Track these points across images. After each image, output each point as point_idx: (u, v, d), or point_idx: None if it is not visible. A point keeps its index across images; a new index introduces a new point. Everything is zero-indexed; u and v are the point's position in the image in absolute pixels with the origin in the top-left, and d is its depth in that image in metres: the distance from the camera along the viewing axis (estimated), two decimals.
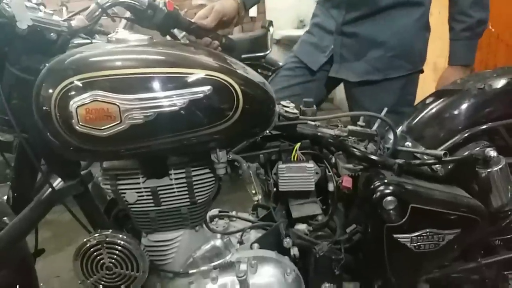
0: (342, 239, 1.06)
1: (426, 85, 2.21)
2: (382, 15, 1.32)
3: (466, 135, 1.09)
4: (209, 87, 0.85)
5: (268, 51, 2.91)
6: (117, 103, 0.80)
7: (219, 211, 1.20)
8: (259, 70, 3.10)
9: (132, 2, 0.99)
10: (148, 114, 0.82)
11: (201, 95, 0.85)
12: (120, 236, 0.95)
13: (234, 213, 1.22)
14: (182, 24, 1.08)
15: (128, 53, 0.88)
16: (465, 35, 1.30)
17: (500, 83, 1.08)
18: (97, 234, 0.94)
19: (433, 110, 1.17)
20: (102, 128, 0.81)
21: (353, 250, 1.07)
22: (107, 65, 0.83)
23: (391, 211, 0.92)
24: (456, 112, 1.13)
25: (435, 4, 2.02)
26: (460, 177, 1.05)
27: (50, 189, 0.94)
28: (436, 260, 1.00)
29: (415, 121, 1.18)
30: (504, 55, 1.88)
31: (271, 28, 2.90)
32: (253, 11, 4.51)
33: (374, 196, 0.93)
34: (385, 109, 1.13)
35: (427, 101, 1.20)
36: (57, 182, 0.96)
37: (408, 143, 1.13)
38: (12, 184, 1.06)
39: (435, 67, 2.10)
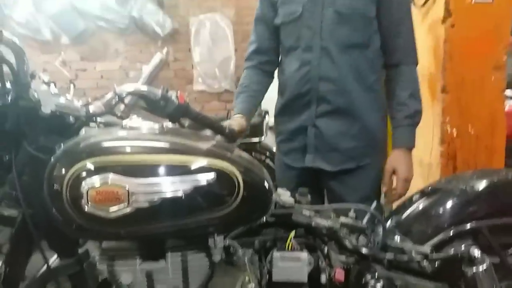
0: None
1: (413, 181, 2.31)
2: (351, 109, 1.42)
3: (451, 233, 1.14)
4: (212, 175, 0.91)
5: (263, 137, 3.06)
6: (127, 187, 0.85)
7: None
8: (253, 153, 3.22)
9: (147, 93, 1.08)
10: (154, 198, 0.87)
11: (204, 182, 0.91)
12: None
13: None
14: (191, 115, 1.14)
15: (140, 140, 0.96)
16: (406, 122, 1.41)
17: (481, 185, 1.16)
18: None
19: (420, 207, 1.23)
20: (110, 210, 0.85)
21: None
22: (119, 150, 0.89)
23: None
24: (441, 210, 1.19)
25: None
26: (447, 274, 1.08)
27: (45, 266, 0.95)
28: None
29: (403, 216, 1.24)
30: (484, 155, 2.01)
31: (266, 116, 3.07)
32: None
33: None
34: (375, 203, 1.19)
35: (414, 199, 1.27)
36: (53, 260, 0.97)
37: (397, 238, 1.17)
38: (6, 259, 1.06)
39: (421, 162, 2.21)
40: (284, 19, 1.45)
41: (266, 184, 1.03)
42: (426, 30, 2.04)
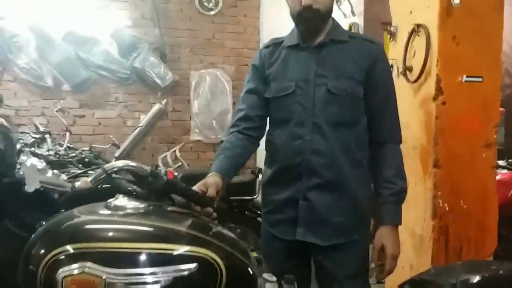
0: None
1: (404, 251, 2.27)
2: (342, 183, 1.43)
3: None
4: (194, 264, 0.89)
5: (256, 196, 3.03)
6: (104, 277, 0.82)
7: None
8: (246, 212, 3.18)
9: (136, 169, 1.07)
10: None
11: (186, 272, 0.88)
12: None
13: None
14: (178, 191, 1.13)
15: (122, 225, 0.94)
16: (392, 199, 1.43)
17: (472, 279, 1.13)
18: None
19: None
20: None
21: None
22: (100, 237, 0.87)
23: None
24: None
25: (411, 176, 2.21)
26: None
27: None
28: None
29: None
30: (476, 230, 1.99)
31: (260, 175, 3.06)
32: None
33: None
34: None
35: None
36: None
37: None
38: None
39: (413, 233, 2.18)
40: (276, 94, 1.48)
41: (250, 270, 1.00)
42: (418, 105, 2.09)
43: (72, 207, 1.05)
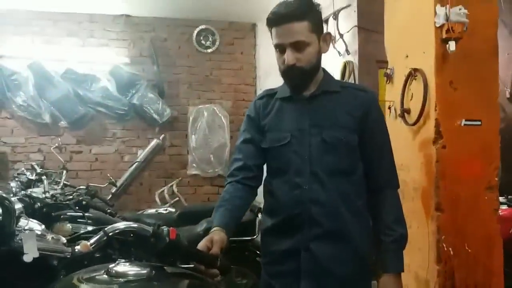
0: None
1: None
2: (343, 233, 1.42)
3: None
4: None
5: (256, 236, 2.98)
6: None
7: None
8: (246, 252, 3.12)
9: (138, 229, 1.05)
10: None
11: None
12: None
13: None
14: (181, 251, 1.09)
15: None
16: (394, 246, 1.42)
17: None
18: None
19: None
20: None
21: None
22: None
23: None
24: None
25: (414, 218, 2.18)
26: None
27: None
28: None
29: None
30: (482, 275, 1.95)
31: (259, 214, 3.01)
32: None
33: None
34: None
35: None
36: None
37: None
38: None
39: (417, 276, 2.14)
40: (272, 144, 1.49)
41: None
42: (417, 148, 2.09)
43: (72, 271, 1.02)
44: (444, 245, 1.96)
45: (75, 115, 4.65)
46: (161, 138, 4.90)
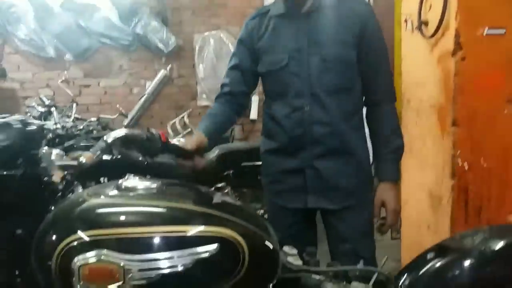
0: None
1: (422, 211, 2.25)
2: (346, 149, 1.46)
3: None
4: (215, 245, 0.86)
5: None
6: (122, 264, 0.80)
7: None
8: (258, 177, 3.17)
9: (135, 135, 1.06)
10: (152, 275, 0.81)
11: (207, 254, 0.85)
12: None
13: None
14: (171, 151, 1.23)
15: (135, 207, 0.90)
16: (390, 156, 1.47)
17: (500, 245, 1.10)
18: None
19: (435, 268, 1.15)
20: None
21: None
22: (114, 222, 0.84)
23: None
24: (458, 272, 1.12)
25: (428, 135, 2.14)
26: None
27: None
28: None
29: (416, 276, 1.17)
30: (497, 188, 1.93)
31: None
32: (253, 114, 4.73)
33: None
34: (386, 257, 1.15)
35: (428, 256, 1.19)
36: None
37: None
38: None
39: (430, 193, 2.15)
40: (270, 68, 1.48)
41: (271, 245, 0.97)
42: (435, 61, 1.98)
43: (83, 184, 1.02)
44: (459, 160, 1.93)
45: (80, 48, 4.55)
46: (168, 69, 4.79)
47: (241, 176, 2.93)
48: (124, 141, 1.05)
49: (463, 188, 1.96)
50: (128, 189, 0.94)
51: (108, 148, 1.03)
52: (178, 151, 1.26)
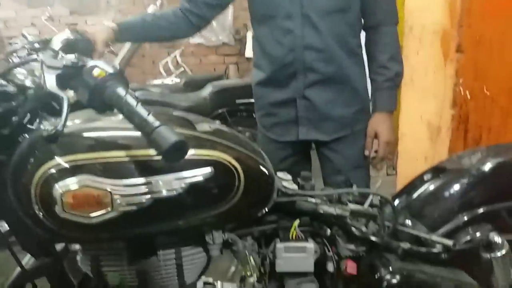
0: None
1: (420, 142, 2.21)
2: (340, 76, 1.37)
3: (467, 216, 1.06)
4: (208, 169, 0.81)
5: None
6: (109, 189, 0.75)
7: (204, 283, 1.09)
8: (253, 115, 3.10)
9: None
10: (142, 200, 0.77)
11: (201, 178, 0.80)
12: None
13: (219, 284, 1.11)
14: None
15: (120, 130, 0.83)
16: (387, 85, 1.38)
17: (497, 163, 1.07)
18: None
19: (432, 188, 1.14)
20: (91, 215, 0.75)
21: None
22: (97, 146, 0.78)
23: None
24: (455, 191, 1.11)
25: (430, 64, 2.05)
26: (464, 261, 1.01)
27: (19, 270, 0.87)
28: None
29: (413, 197, 1.15)
30: (499, 117, 1.89)
31: None
32: (249, 52, 4.56)
33: (383, 286, 0.88)
34: (380, 181, 1.12)
35: (425, 177, 1.17)
36: (27, 259, 0.89)
37: (408, 222, 1.09)
38: None
39: (429, 124, 2.10)
40: None
41: (266, 170, 0.93)
42: None
43: None
44: (461, 89, 1.86)
45: None
46: (158, 4, 4.54)
47: (236, 115, 2.86)
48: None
49: (463, 117, 1.92)
50: (111, 114, 0.87)
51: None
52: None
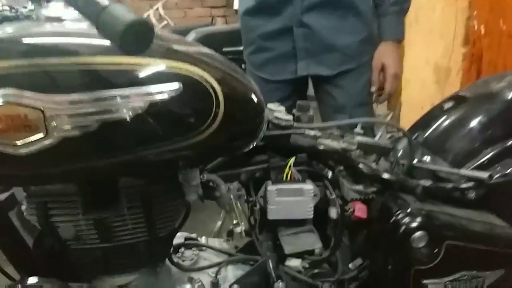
0: (347, 278, 0.85)
1: (426, 87, 2.02)
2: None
3: (493, 152, 0.88)
4: (177, 85, 0.61)
5: None
6: (41, 107, 0.55)
7: (185, 238, 0.95)
8: (242, 66, 2.88)
9: None
10: (87, 123, 0.58)
11: (166, 96, 0.61)
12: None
13: (204, 239, 0.97)
14: None
15: (59, 35, 0.63)
16: (394, 9, 1.24)
17: None
18: (20, 284, 0.69)
19: (454, 118, 0.96)
20: (18, 143, 0.56)
21: None
22: (30, 52, 0.58)
23: (422, 250, 0.70)
24: (481, 122, 0.92)
25: (438, 1, 1.84)
26: (495, 199, 0.84)
27: None
28: None
29: (431, 130, 0.97)
30: None
31: None
32: (237, 4, 4.29)
33: (400, 230, 0.71)
34: (391, 114, 0.95)
35: (446, 106, 0.99)
36: None
37: (426, 158, 0.91)
38: None
39: (437, 67, 1.91)
40: None
41: (255, 96, 0.73)
42: None
43: None
44: (475, 23, 1.67)
45: None
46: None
47: None
48: None
49: (476, 56, 1.73)
50: (50, 19, 0.67)
51: None
52: None
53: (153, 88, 0.61)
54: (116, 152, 0.62)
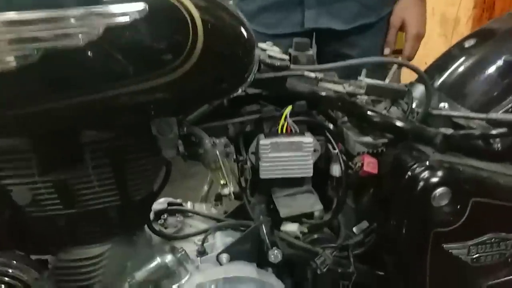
0: (351, 243, 0.75)
1: (431, 40, 1.88)
2: None
3: None
4: (142, 5, 0.48)
5: None
6: None
7: (168, 204, 0.85)
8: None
9: None
10: (26, 52, 0.45)
11: (127, 19, 0.48)
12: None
13: (189, 205, 0.87)
14: None
15: None
16: None
17: None
18: None
19: (477, 58, 0.83)
20: None
21: (367, 259, 0.75)
22: None
23: (444, 210, 0.60)
24: (507, 63, 0.80)
25: None
26: None
27: None
28: (500, 276, 0.70)
29: (449, 72, 0.85)
30: None
31: None
32: None
33: (418, 187, 0.60)
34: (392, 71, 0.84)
35: (467, 44, 0.86)
36: None
37: (445, 105, 0.79)
38: None
39: (443, 18, 1.77)
40: None
41: (243, 29, 0.60)
42: None
43: None
44: None
45: None
46: None
47: None
48: None
49: (488, 2, 1.59)
50: None
51: None
52: None
53: (111, 8, 0.48)
54: (69, 91, 0.50)
